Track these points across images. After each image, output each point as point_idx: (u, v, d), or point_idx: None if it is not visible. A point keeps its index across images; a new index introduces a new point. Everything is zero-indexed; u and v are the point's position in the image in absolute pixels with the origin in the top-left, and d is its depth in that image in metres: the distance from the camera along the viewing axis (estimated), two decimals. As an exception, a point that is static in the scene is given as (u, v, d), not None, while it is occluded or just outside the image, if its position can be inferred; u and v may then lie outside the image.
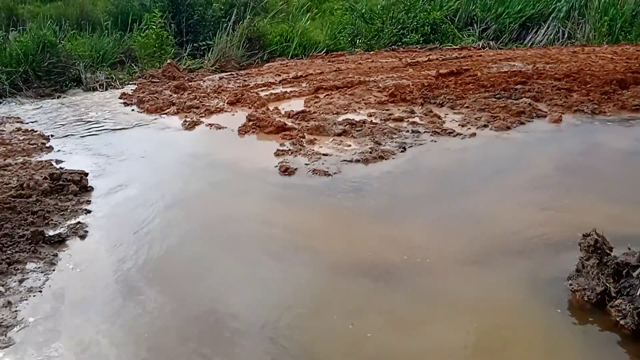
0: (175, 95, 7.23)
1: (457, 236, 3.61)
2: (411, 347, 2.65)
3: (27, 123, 6.34)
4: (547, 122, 5.73)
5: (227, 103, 6.70)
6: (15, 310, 2.91)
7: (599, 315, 2.82)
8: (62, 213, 4.00)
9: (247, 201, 4.21)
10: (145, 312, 2.91)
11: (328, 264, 3.33)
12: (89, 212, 4.03)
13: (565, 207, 3.98)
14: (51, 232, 3.70)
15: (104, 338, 2.74)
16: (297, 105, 6.51)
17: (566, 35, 10.73)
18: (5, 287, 3.10)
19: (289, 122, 5.82)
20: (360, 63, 8.88)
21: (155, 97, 7.12)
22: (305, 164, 4.76)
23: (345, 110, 6.22)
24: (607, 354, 2.61)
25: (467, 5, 11.36)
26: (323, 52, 10.23)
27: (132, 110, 6.80)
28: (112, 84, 8.30)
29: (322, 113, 6.09)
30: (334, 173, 4.58)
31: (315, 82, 7.52)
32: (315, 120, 5.82)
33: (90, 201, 4.21)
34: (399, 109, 6.19)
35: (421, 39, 10.54)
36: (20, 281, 3.17)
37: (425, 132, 5.46)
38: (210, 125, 5.93)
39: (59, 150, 5.36)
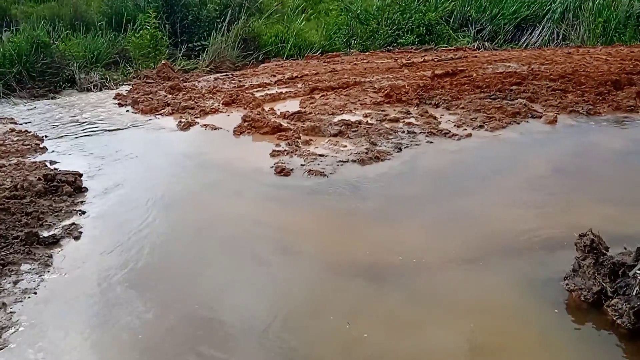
0: (170, 95, 7.20)
1: (453, 237, 3.61)
2: (408, 347, 2.65)
3: (20, 124, 6.29)
4: (542, 123, 5.75)
5: (222, 104, 6.67)
6: (10, 312, 2.88)
7: (596, 314, 2.83)
8: (56, 214, 3.97)
9: (243, 202, 4.19)
10: (140, 314, 2.89)
11: (324, 264, 3.32)
12: (83, 213, 4.01)
13: (561, 208, 3.99)
14: (45, 233, 3.67)
15: (98, 339, 2.72)
16: (292, 105, 6.49)
17: (561, 37, 10.76)
18: (0, 288, 3.07)
19: (284, 123, 5.81)
20: (355, 64, 8.87)
21: (149, 97, 7.09)
22: (301, 165, 4.75)
23: (340, 110, 6.21)
24: (603, 353, 2.62)
25: (462, 7, 11.38)
26: (318, 52, 10.21)
27: (127, 110, 6.76)
28: (107, 84, 8.25)
29: (318, 114, 6.09)
30: (330, 174, 4.57)
31: (310, 83, 7.51)
32: (310, 121, 5.81)
33: (84, 202, 4.18)
34: (394, 110, 6.20)
35: (416, 39, 10.54)
36: (15, 282, 3.14)
37: (421, 132, 5.46)
38: (205, 125, 5.91)
39: (53, 151, 5.32)
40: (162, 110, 6.56)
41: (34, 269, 3.29)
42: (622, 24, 10.67)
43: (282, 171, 4.65)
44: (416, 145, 5.18)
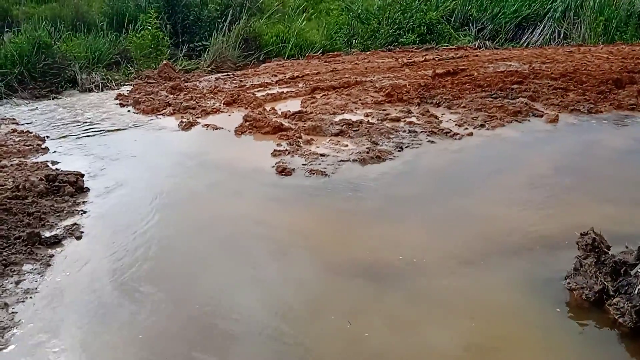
0: (172, 96, 7.20)
1: (454, 236, 3.61)
2: (409, 346, 2.65)
3: (22, 124, 6.30)
4: (543, 122, 5.74)
5: (223, 104, 6.68)
6: (12, 312, 2.89)
7: (598, 313, 2.83)
8: (58, 214, 3.98)
9: (244, 202, 4.19)
10: (141, 314, 2.90)
11: (325, 264, 3.32)
12: (85, 213, 4.01)
13: (562, 207, 3.98)
14: (47, 234, 3.68)
15: (99, 339, 2.73)
16: (293, 105, 6.49)
17: (562, 35, 10.75)
18: (2, 288, 3.08)
19: (285, 123, 5.81)
20: (356, 63, 8.87)
21: (151, 97, 7.09)
22: (303, 164, 4.75)
23: (342, 110, 6.21)
24: (605, 352, 2.61)
25: (463, 6, 11.37)
26: (319, 52, 10.21)
27: (128, 111, 6.77)
28: (108, 85, 8.26)
29: (319, 113, 6.09)
30: (331, 173, 4.57)
31: (311, 83, 7.51)
32: (312, 121, 5.81)
33: (86, 202, 4.19)
34: (395, 109, 6.19)
35: (417, 39, 10.54)
36: (17, 283, 3.15)
37: (422, 132, 5.46)
38: (207, 125, 5.92)
39: (54, 152, 5.33)
40: (164, 111, 6.57)
41: (35, 269, 3.30)
42: (624, 23, 10.66)
43: (284, 171, 4.65)
44: (417, 144, 5.18)
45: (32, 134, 5.84)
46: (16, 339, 2.70)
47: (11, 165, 4.85)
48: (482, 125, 5.61)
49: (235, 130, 5.69)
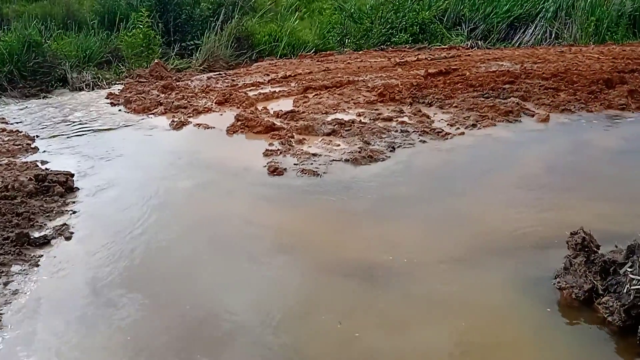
0: (163, 95, 7.16)
1: (445, 236, 3.61)
2: (400, 346, 2.65)
3: (12, 124, 6.24)
4: (535, 121, 5.77)
5: (215, 103, 6.65)
6: (0, 314, 2.86)
7: (587, 312, 2.85)
8: (47, 214, 3.95)
9: (235, 202, 4.18)
10: (130, 315, 2.88)
11: (316, 264, 3.32)
12: (74, 213, 3.98)
13: (553, 206, 4.00)
14: (36, 234, 3.65)
15: (88, 341, 2.71)
16: (286, 105, 6.48)
17: (553, 35, 10.79)
18: (-11, 290, 3.05)
19: (277, 122, 5.80)
20: (349, 63, 8.87)
21: (142, 97, 7.05)
22: (294, 164, 4.74)
23: (334, 110, 6.21)
24: (595, 350, 2.63)
25: (455, 5, 11.39)
26: (312, 51, 10.19)
27: (119, 110, 6.73)
28: (99, 84, 8.20)
29: (311, 113, 6.08)
30: (323, 173, 4.57)
31: (304, 82, 7.50)
32: (304, 120, 5.80)
33: (76, 202, 4.16)
34: (387, 109, 6.20)
35: (410, 38, 10.54)
36: (5, 284, 3.12)
37: (414, 131, 5.47)
38: (198, 125, 5.89)
39: (44, 151, 5.28)
40: (155, 110, 6.54)
41: (24, 270, 3.27)
42: (614, 23, 10.72)
43: (275, 170, 4.64)
44: (409, 144, 5.19)
45: (21, 134, 5.79)
46: (3, 341, 2.67)
47: (0, 164, 4.80)
48: (473, 125, 5.63)
49: (227, 130, 5.67)
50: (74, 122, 6.28)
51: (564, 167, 4.71)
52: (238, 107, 6.41)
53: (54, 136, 5.78)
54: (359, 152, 4.95)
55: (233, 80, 8.00)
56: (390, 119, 5.86)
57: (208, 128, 5.81)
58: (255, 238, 3.63)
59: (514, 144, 5.24)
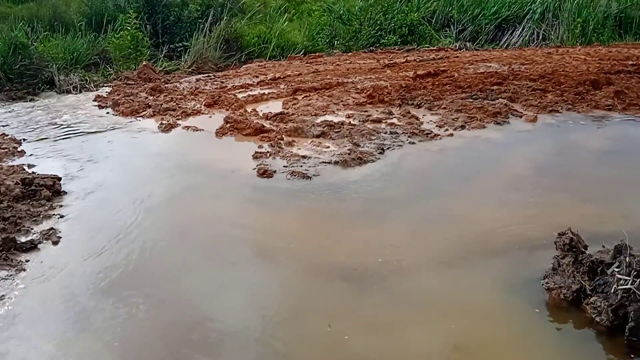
0: (151, 97, 7.12)
1: (433, 238, 3.63)
2: (389, 348, 2.65)
3: (-3, 127, 6.17)
4: (522, 122, 5.81)
5: (204, 105, 6.62)
6: (-15, 321, 2.82)
7: (575, 312, 2.87)
8: (34, 219, 3.90)
9: (224, 204, 4.16)
10: (117, 320, 2.85)
11: (305, 267, 3.31)
12: (62, 217, 3.94)
13: (541, 207, 4.03)
14: (23, 239, 3.61)
15: (75, 346, 2.68)
16: (275, 106, 6.47)
17: (541, 37, 10.89)
18: (-26, 296, 3.01)
19: (267, 124, 5.79)
20: (338, 64, 8.88)
21: (130, 99, 7.00)
22: (284, 166, 4.73)
23: (323, 111, 6.21)
24: (583, 350, 2.65)
25: (444, 7, 11.46)
26: (301, 53, 10.20)
27: (107, 112, 6.67)
28: (87, 86, 8.13)
29: (301, 115, 6.07)
30: (313, 175, 4.56)
31: (293, 84, 7.49)
32: (293, 122, 5.80)
33: (63, 206, 4.11)
34: (377, 110, 6.21)
35: (399, 40, 10.58)
36: (-10, 290, 3.08)
37: (403, 133, 5.48)
38: (187, 127, 5.86)
39: (31, 155, 5.22)
40: (143, 112, 6.49)
41: (11, 275, 3.23)
42: (601, 24, 10.84)
43: (265, 173, 4.63)
44: (398, 146, 5.20)
45: (7, 137, 5.72)
46: (-11, 348, 2.64)
47: (-14, 168, 4.74)
48: (462, 127, 5.65)
49: (216, 132, 5.64)
50: (61, 125, 6.22)
51: (552, 168, 4.75)
52: (227, 110, 6.39)
53: (41, 139, 5.72)
54: (349, 154, 4.95)
55: (222, 82, 7.97)
56: (379, 121, 5.87)
57: (197, 130, 5.78)
58: (244, 241, 3.62)
59: (502, 145, 5.27)
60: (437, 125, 5.69)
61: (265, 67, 8.95)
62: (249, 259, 3.42)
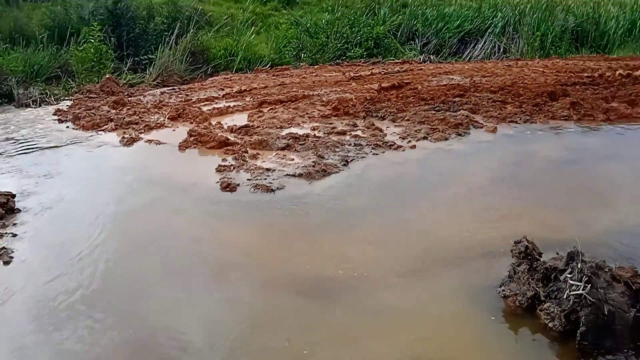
0: (114, 111, 7.01)
1: (394, 248, 3.65)
2: (349, 361, 2.64)
3: (-49, 142, 5.96)
4: (483, 133, 5.95)
5: (168, 118, 6.55)
6: None
7: (530, 319, 2.92)
8: (-15, 238, 3.77)
9: (186, 219, 4.10)
10: (73, 342, 2.77)
11: (265, 281, 3.28)
12: (15, 235, 3.81)
13: (499, 216, 4.11)
14: (-28, 259, 3.48)
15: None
16: (240, 119, 6.45)
17: (501, 50, 11.23)
18: None
19: (231, 137, 5.76)
20: (304, 77, 8.93)
21: (92, 113, 6.88)
22: (248, 180, 4.71)
23: (289, 124, 6.22)
24: (535, 357, 2.69)
25: (409, 21, 11.71)
26: (268, 66, 10.22)
27: (67, 127, 6.53)
28: (47, 100, 7.94)
29: (266, 127, 6.07)
30: (277, 188, 4.55)
31: (259, 97, 7.49)
32: (258, 135, 5.79)
33: (16, 224, 3.98)
34: (342, 123, 6.26)
35: (365, 53, 10.74)
36: None
37: (367, 145, 5.53)
38: (150, 141, 5.78)
39: (-15, 171, 5.06)
40: (105, 126, 6.38)
41: (-42, 297, 3.10)
42: (559, 38, 11.25)
43: (228, 187, 4.59)
44: (362, 157, 5.24)
45: (-39, 153, 5.54)
46: None
47: None
48: (425, 138, 5.75)
49: (179, 146, 5.58)
50: (18, 139, 6.05)
51: (510, 178, 4.86)
52: (191, 122, 6.34)
53: (-4, 155, 5.55)
54: (313, 166, 4.96)
55: (187, 95, 7.91)
56: (344, 133, 5.92)
57: (160, 144, 5.70)
58: (204, 256, 3.57)
59: (463, 155, 5.37)
60: (400, 137, 5.77)
61: (231, 80, 8.93)
62: (208, 274, 3.37)
